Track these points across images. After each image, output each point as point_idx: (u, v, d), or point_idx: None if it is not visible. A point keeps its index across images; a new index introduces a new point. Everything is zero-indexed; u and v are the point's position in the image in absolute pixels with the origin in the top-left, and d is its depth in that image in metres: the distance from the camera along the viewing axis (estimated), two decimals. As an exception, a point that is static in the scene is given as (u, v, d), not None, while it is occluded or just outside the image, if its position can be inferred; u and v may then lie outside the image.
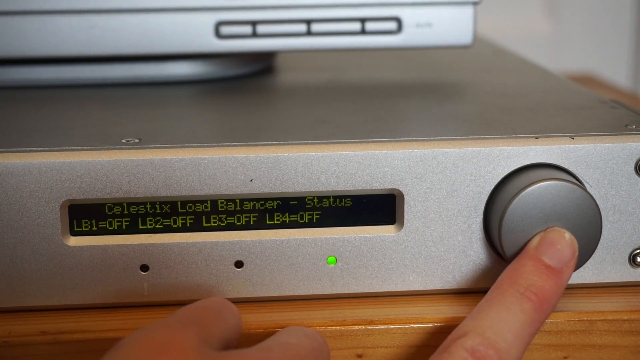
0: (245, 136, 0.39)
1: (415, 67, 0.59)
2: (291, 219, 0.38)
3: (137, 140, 0.38)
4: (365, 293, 0.39)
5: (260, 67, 0.56)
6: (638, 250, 0.40)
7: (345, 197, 0.38)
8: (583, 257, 0.38)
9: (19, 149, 0.37)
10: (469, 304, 0.38)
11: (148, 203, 0.38)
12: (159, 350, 0.29)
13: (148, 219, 0.38)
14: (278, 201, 0.38)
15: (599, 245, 0.38)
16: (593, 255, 0.39)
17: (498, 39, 0.75)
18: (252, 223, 0.38)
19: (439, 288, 0.39)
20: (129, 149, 0.37)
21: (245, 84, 0.53)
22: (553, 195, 0.37)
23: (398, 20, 0.50)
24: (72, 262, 0.38)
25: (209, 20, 0.50)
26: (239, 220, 0.38)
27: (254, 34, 0.50)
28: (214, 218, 0.38)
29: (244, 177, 0.38)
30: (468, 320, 0.34)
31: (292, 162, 0.38)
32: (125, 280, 0.38)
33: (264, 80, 0.55)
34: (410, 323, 0.38)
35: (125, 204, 0.38)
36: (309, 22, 0.50)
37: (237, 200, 0.38)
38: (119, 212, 0.38)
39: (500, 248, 0.38)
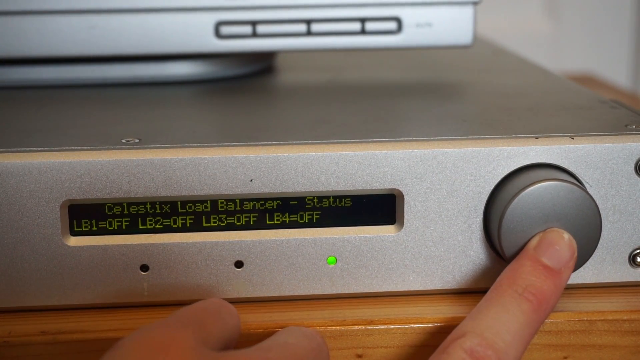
0: (245, 136, 0.39)
1: (415, 67, 0.59)
2: (291, 219, 0.38)
3: (137, 140, 0.38)
4: (365, 293, 0.39)
5: (260, 67, 0.56)
6: (638, 250, 0.40)
7: (345, 197, 0.38)
8: (583, 257, 0.38)
9: (19, 149, 0.37)
10: (469, 304, 0.38)
11: (148, 203, 0.38)
12: (157, 350, 0.29)
13: (148, 219, 0.38)
14: (278, 201, 0.38)
15: (598, 245, 0.38)
16: (593, 256, 0.39)
17: (498, 39, 0.75)
18: (252, 223, 0.38)
19: (439, 288, 0.39)
20: (129, 149, 0.37)
21: (245, 84, 0.53)
22: (553, 196, 0.37)
23: (398, 20, 0.50)
24: (72, 262, 0.38)
25: (209, 20, 0.50)
26: (239, 220, 0.38)
27: (254, 34, 0.50)
28: (214, 218, 0.38)
29: (244, 177, 0.38)
30: (467, 321, 0.34)
31: (292, 162, 0.38)
32: (125, 280, 0.38)
33: (264, 80, 0.55)
34: (410, 323, 0.38)
35: (125, 204, 0.38)
36: (309, 22, 0.50)
37: (237, 200, 0.38)
38: (119, 212, 0.38)
39: (500, 248, 0.38)
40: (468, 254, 0.39)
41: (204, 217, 0.38)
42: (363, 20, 0.50)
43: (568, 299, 0.39)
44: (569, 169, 0.39)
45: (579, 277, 0.40)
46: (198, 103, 0.50)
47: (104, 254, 0.38)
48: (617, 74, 1.08)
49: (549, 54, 1.06)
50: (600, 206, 0.38)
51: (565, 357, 0.38)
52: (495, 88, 0.52)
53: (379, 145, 0.38)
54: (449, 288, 0.40)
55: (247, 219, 0.38)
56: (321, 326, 0.37)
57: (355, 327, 0.37)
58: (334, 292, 0.39)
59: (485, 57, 0.63)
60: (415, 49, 0.51)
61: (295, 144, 0.38)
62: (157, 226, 0.38)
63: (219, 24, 0.50)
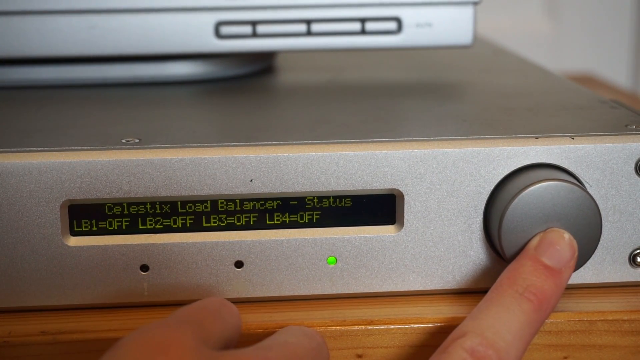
0: (245, 136, 0.39)
1: (415, 67, 0.59)
2: (291, 219, 0.38)
3: (137, 140, 0.38)
4: (365, 293, 0.39)
5: (260, 67, 0.56)
6: (638, 250, 0.40)
7: (345, 197, 0.38)
8: (583, 257, 0.38)
9: (19, 149, 0.37)
10: (469, 304, 0.38)
11: (148, 203, 0.38)
12: (157, 350, 0.29)
13: (148, 219, 0.38)
14: (278, 201, 0.38)
15: (599, 245, 0.38)
16: (593, 256, 0.39)
17: (498, 39, 0.75)
18: (252, 223, 0.38)
19: (439, 288, 0.39)
20: (129, 149, 0.37)
21: (245, 84, 0.53)
22: (553, 196, 0.37)
23: (398, 20, 0.50)
24: (72, 262, 0.38)
25: (209, 20, 0.50)
26: (239, 220, 0.38)
27: (254, 34, 0.50)
28: (214, 218, 0.38)
29: (244, 177, 0.38)
30: (467, 321, 0.34)
31: (292, 162, 0.38)
32: (125, 280, 0.38)
33: (264, 80, 0.55)
34: (410, 323, 0.38)
35: (125, 204, 0.38)
36: (309, 22, 0.50)
37: (237, 200, 0.38)
38: (119, 212, 0.38)
39: (500, 248, 0.38)
40: (468, 254, 0.39)
41: (204, 217, 0.38)
42: (363, 20, 0.50)
43: (568, 299, 0.39)
44: (569, 169, 0.39)
45: (579, 277, 0.40)
46: (198, 103, 0.50)
47: (104, 254, 0.38)
48: (617, 74, 1.08)
49: (549, 54, 1.06)
50: (600, 206, 0.38)
51: (565, 357, 0.38)
52: (495, 88, 0.52)
53: (379, 145, 0.38)
54: (449, 288, 0.40)
55: (247, 219, 0.38)
56: (321, 326, 0.37)
57: (355, 327, 0.37)
58: (334, 292, 0.39)
59: (485, 57, 0.63)
60: (415, 49, 0.51)
61: (295, 144, 0.38)
62: (157, 226, 0.38)
63: (219, 24, 0.50)
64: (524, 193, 0.37)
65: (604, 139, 0.39)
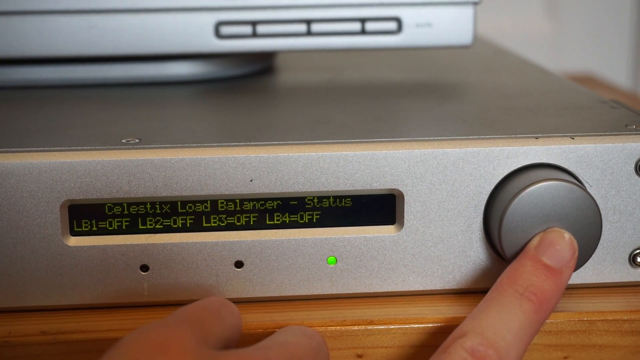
0: (245, 136, 0.39)
1: (415, 67, 0.59)
2: (291, 219, 0.38)
3: (137, 140, 0.38)
4: (365, 293, 0.39)
5: (260, 67, 0.56)
6: (638, 250, 0.40)
7: (345, 197, 0.38)
8: (583, 257, 0.38)
9: (19, 149, 0.37)
10: (469, 304, 0.38)
11: (148, 203, 0.38)
12: (157, 350, 0.29)
13: (148, 219, 0.38)
14: (278, 201, 0.38)
15: (599, 245, 0.38)
16: (593, 256, 0.39)
17: (498, 39, 0.75)
18: (252, 223, 0.38)
19: (439, 288, 0.39)
20: (129, 149, 0.37)
21: (245, 84, 0.53)
22: (553, 195, 0.37)
23: (398, 20, 0.50)
24: (72, 262, 0.38)
25: (209, 20, 0.50)
26: (239, 220, 0.38)
27: (254, 34, 0.50)
28: (214, 218, 0.38)
29: (244, 177, 0.38)
30: (468, 321, 0.34)
31: (292, 162, 0.38)
32: (125, 280, 0.38)
33: (264, 80, 0.55)
34: (410, 323, 0.38)
35: (125, 204, 0.38)
36: (309, 22, 0.50)
37: (237, 200, 0.38)
38: (119, 212, 0.38)
39: (500, 248, 0.38)
40: (468, 254, 0.39)
41: (204, 217, 0.38)
42: (363, 20, 0.50)
43: (568, 299, 0.39)
44: (569, 169, 0.39)
45: (579, 277, 0.40)
46: (198, 103, 0.50)
47: (104, 254, 0.38)
48: (617, 74, 1.08)
49: (549, 54, 1.06)
50: (600, 206, 0.38)
51: (565, 357, 0.38)
52: (495, 88, 0.52)
53: (379, 145, 0.38)
54: (449, 288, 0.40)
55: (247, 219, 0.38)
56: (321, 326, 0.37)
57: (355, 327, 0.37)
58: (334, 292, 0.39)
59: (485, 57, 0.63)
60: (415, 49, 0.51)
61: (295, 144, 0.38)
62: (157, 226, 0.38)
63: (219, 24, 0.50)
64: (524, 193, 0.37)
65: (604, 139, 0.39)
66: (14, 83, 0.51)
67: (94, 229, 0.38)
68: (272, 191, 0.38)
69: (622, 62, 1.10)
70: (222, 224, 0.38)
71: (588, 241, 0.37)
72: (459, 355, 0.33)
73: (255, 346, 0.32)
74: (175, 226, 0.38)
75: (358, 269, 0.39)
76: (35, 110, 0.46)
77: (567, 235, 0.37)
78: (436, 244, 0.39)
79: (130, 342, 0.29)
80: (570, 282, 0.39)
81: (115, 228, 0.38)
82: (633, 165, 0.39)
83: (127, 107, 0.48)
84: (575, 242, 0.37)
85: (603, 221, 0.39)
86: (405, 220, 0.38)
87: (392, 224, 0.39)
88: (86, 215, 0.37)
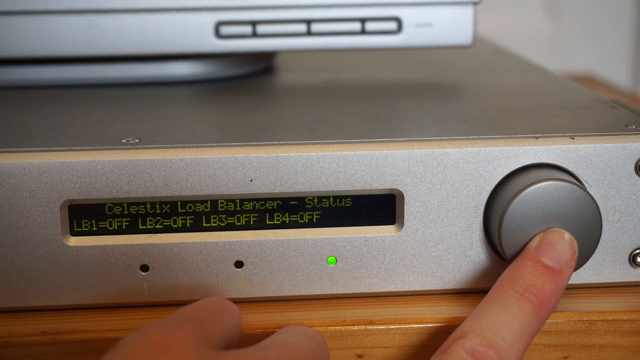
0: (245, 136, 0.39)
1: (415, 67, 0.59)
2: (291, 219, 0.38)
3: (137, 140, 0.38)
4: (365, 293, 0.39)
5: (260, 67, 0.56)
6: (638, 250, 0.40)
7: (345, 197, 0.38)
8: (583, 257, 0.38)
9: (19, 149, 0.37)
10: (469, 304, 0.38)
11: (148, 203, 0.38)
12: (157, 350, 0.29)
13: (148, 219, 0.38)
14: (278, 201, 0.38)
15: (599, 245, 0.38)
16: (593, 256, 0.39)
17: (498, 39, 0.75)
18: (252, 223, 0.38)
19: (439, 288, 0.39)
20: (129, 149, 0.37)
21: (245, 84, 0.53)
22: (553, 195, 0.37)
23: (398, 20, 0.50)
24: (72, 262, 0.38)
25: (209, 20, 0.50)
26: (239, 220, 0.38)
27: (254, 34, 0.50)
28: (214, 218, 0.38)
29: (244, 177, 0.38)
30: (468, 321, 0.34)
31: (292, 162, 0.38)
32: (125, 280, 0.38)
33: (264, 80, 0.55)
34: (410, 323, 0.38)
35: (125, 204, 0.38)
36: (309, 22, 0.50)
37: (237, 200, 0.38)
38: (119, 212, 0.38)
39: (500, 248, 0.38)
40: (468, 254, 0.39)
41: (204, 217, 0.38)
42: (363, 20, 0.50)
43: (568, 299, 0.39)
44: (569, 169, 0.39)
45: (579, 277, 0.40)
46: (198, 103, 0.50)
47: (104, 254, 0.38)
48: (617, 74, 1.08)
49: (549, 54, 1.06)
50: (600, 206, 0.38)
51: (565, 357, 0.38)
52: (495, 88, 0.52)
53: (379, 145, 0.38)
54: (449, 288, 0.40)
55: (247, 219, 0.38)
56: (321, 326, 0.37)
57: (355, 327, 0.37)
58: (334, 292, 0.39)
59: (485, 57, 0.63)
60: (415, 49, 0.51)
61: (295, 144, 0.38)
62: (157, 226, 0.38)
63: (219, 24, 0.50)
64: (524, 193, 0.37)
65: (604, 139, 0.39)
66: (14, 83, 0.51)
67: (94, 229, 0.38)
68: (272, 191, 0.38)
69: (622, 62, 1.10)
70: (222, 224, 0.38)
71: (588, 241, 0.37)
72: (459, 355, 0.33)
73: (256, 346, 0.32)
74: (175, 226, 0.38)
75: (358, 269, 0.39)
76: (35, 110, 0.46)
77: (567, 235, 0.37)
78: (436, 244, 0.39)
79: (131, 342, 0.29)
80: (570, 282, 0.39)
81: (115, 228, 0.38)
82: (633, 165, 0.39)
83: (127, 107, 0.48)
84: (575, 242, 0.37)
85: (603, 221, 0.39)
86: (405, 220, 0.38)
87: (392, 224, 0.39)
88: (86, 215, 0.37)
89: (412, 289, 0.39)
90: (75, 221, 0.37)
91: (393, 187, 0.38)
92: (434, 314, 0.38)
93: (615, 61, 1.10)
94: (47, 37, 0.49)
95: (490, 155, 0.38)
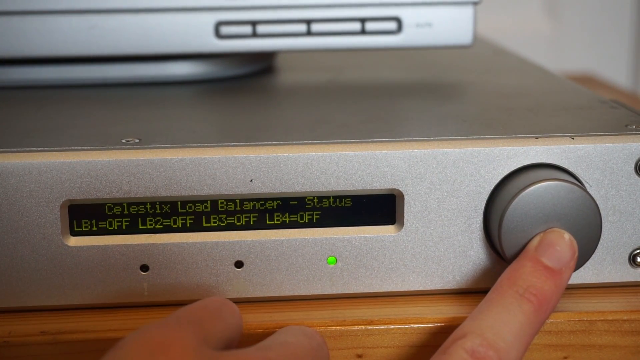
0: (245, 136, 0.39)
1: (415, 67, 0.59)
2: (291, 219, 0.38)
3: (137, 140, 0.38)
4: (365, 293, 0.39)
5: (260, 67, 0.56)
6: (638, 250, 0.40)
7: (345, 197, 0.38)
8: (583, 257, 0.38)
9: (19, 149, 0.37)
10: (469, 304, 0.38)
11: (148, 203, 0.38)
12: (157, 350, 0.29)
13: (148, 219, 0.38)
14: (278, 201, 0.38)
15: (599, 245, 0.38)
16: (593, 256, 0.39)
17: (498, 39, 0.75)
18: (252, 223, 0.38)
19: (439, 288, 0.39)
20: (129, 149, 0.37)
21: (245, 84, 0.53)
22: (553, 196, 0.37)
23: (398, 20, 0.50)
24: (72, 262, 0.38)
25: (209, 20, 0.50)
26: (239, 220, 0.38)
27: (254, 34, 0.50)
28: (214, 218, 0.38)
29: (244, 177, 0.38)
30: (468, 322, 0.34)
31: (292, 162, 0.38)
32: (125, 280, 0.38)
33: (264, 80, 0.55)
34: (410, 323, 0.38)
35: (125, 204, 0.38)
36: (309, 22, 0.50)
37: (237, 200, 0.38)
38: (119, 212, 0.38)
39: (500, 248, 0.38)
40: (468, 254, 0.39)
41: (204, 217, 0.38)
42: (363, 20, 0.50)
43: (568, 299, 0.39)
44: (569, 169, 0.39)
45: (579, 277, 0.40)
46: (198, 103, 0.50)
47: (104, 254, 0.38)
48: (617, 74, 1.08)
49: (549, 54, 1.06)
50: (600, 206, 0.38)
51: (565, 357, 0.38)
52: (495, 88, 0.52)
53: (379, 145, 0.38)
54: (449, 288, 0.40)
55: (247, 219, 0.38)
56: (321, 326, 0.37)
57: (355, 327, 0.37)
58: (334, 292, 0.39)
59: (485, 57, 0.63)
60: (415, 49, 0.51)
61: (295, 144, 0.38)
62: (157, 226, 0.38)
63: (219, 24, 0.50)
64: (524, 193, 0.37)
65: (604, 139, 0.39)
66: (14, 83, 0.51)
67: (94, 229, 0.38)
68: (272, 191, 0.38)
69: (622, 62, 1.10)
70: (222, 224, 0.38)
71: (588, 241, 0.37)
72: (459, 356, 0.33)
73: (256, 346, 0.32)
74: (175, 226, 0.38)
75: (358, 269, 0.39)
76: (35, 110, 0.46)
77: (567, 235, 0.37)
78: (436, 244, 0.39)
79: (131, 342, 0.29)
80: (570, 282, 0.39)
81: (115, 228, 0.38)
82: (633, 165, 0.39)
83: (127, 107, 0.48)
84: (575, 242, 0.37)
85: (603, 221, 0.39)
86: (405, 220, 0.38)
87: (392, 224, 0.39)
88: (86, 215, 0.37)
89: (412, 289, 0.39)
90: (75, 221, 0.38)
91: (393, 187, 0.38)
92: (434, 314, 0.38)
93: (615, 61, 1.10)
94: (47, 37, 0.49)
95: (490, 155, 0.38)
